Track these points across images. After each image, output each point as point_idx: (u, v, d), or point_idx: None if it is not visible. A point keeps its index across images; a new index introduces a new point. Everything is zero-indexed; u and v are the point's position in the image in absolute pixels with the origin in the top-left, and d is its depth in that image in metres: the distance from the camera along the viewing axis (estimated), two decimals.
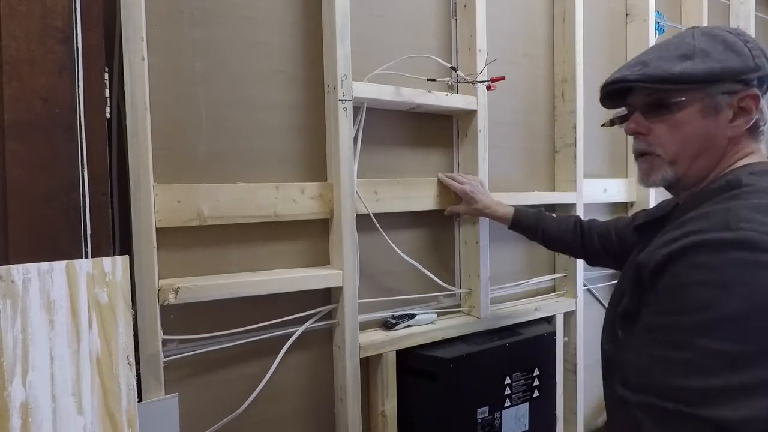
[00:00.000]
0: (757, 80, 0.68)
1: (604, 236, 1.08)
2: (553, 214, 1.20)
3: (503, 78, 1.20)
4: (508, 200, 1.27)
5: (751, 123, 0.69)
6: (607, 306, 0.80)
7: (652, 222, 0.80)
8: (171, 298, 0.85)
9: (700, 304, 0.55)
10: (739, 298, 0.53)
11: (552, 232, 1.15)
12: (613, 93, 0.78)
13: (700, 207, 0.66)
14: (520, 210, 1.19)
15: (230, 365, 0.99)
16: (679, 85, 0.69)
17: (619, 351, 0.70)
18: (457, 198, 1.23)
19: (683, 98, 0.70)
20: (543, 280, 1.52)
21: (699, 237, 0.58)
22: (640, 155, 0.76)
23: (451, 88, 1.26)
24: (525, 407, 1.28)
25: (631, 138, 0.79)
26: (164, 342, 0.87)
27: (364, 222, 1.11)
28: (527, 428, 1.28)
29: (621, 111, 0.79)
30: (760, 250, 0.54)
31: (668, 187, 0.77)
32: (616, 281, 0.84)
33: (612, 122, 0.83)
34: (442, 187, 1.25)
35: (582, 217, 1.52)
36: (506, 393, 1.24)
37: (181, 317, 0.92)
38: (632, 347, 0.63)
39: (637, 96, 0.75)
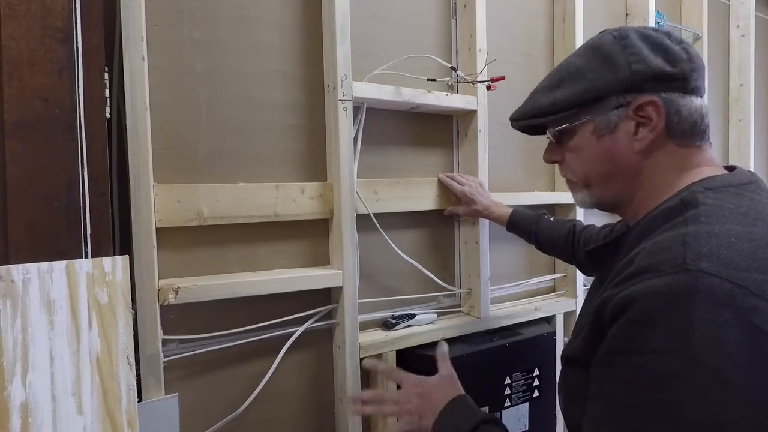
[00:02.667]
0: (657, 82, 0.62)
1: (588, 244, 1.04)
2: (552, 218, 1.19)
3: (503, 78, 1.20)
4: (507, 200, 1.27)
5: (658, 130, 0.62)
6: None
7: (604, 247, 0.75)
8: (171, 298, 0.85)
9: (661, 377, 0.48)
10: (707, 371, 0.46)
11: (545, 237, 1.13)
12: (524, 127, 0.77)
13: (655, 232, 0.59)
14: (518, 211, 1.19)
15: (230, 365, 0.99)
16: (557, 115, 0.66)
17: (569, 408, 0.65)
18: (457, 198, 1.24)
19: (566, 125, 0.67)
20: (543, 280, 1.52)
21: (655, 280, 0.51)
22: (566, 181, 0.74)
23: (451, 88, 1.26)
24: (525, 407, 1.28)
25: None
26: (164, 342, 0.87)
27: (364, 222, 1.11)
28: (527, 428, 1.28)
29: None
30: (723, 305, 0.47)
31: (604, 209, 0.73)
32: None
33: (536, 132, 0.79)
34: (442, 187, 1.25)
35: (582, 217, 1.52)
36: (506, 393, 1.24)
37: (181, 317, 0.92)
38: (586, 417, 0.57)
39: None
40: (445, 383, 0.86)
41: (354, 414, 1.04)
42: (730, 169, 0.66)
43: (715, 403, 0.46)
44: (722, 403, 0.46)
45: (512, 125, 0.75)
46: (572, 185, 0.73)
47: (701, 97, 0.65)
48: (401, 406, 0.84)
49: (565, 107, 0.66)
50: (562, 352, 0.69)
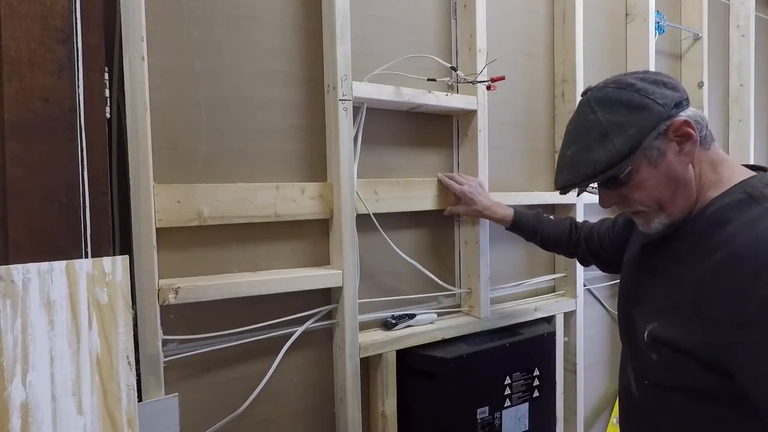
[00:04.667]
0: (677, 107, 0.73)
1: (588, 238, 1.11)
2: (551, 216, 1.20)
3: (503, 78, 1.20)
4: (507, 200, 1.27)
5: (700, 139, 0.74)
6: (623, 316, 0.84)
7: (661, 239, 0.81)
8: (171, 298, 0.85)
9: None
10: None
11: (550, 235, 1.16)
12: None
13: (731, 222, 0.69)
14: (519, 212, 1.20)
15: (230, 365, 0.99)
16: (618, 166, 0.73)
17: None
18: (457, 198, 1.24)
19: (629, 168, 0.74)
20: (543, 280, 1.52)
21: None
22: (632, 213, 0.81)
23: (451, 88, 1.26)
24: (525, 407, 1.28)
25: None
26: (164, 342, 0.87)
27: (364, 222, 1.11)
28: (527, 428, 1.28)
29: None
30: None
31: (674, 225, 0.79)
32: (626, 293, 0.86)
33: (581, 191, 0.84)
34: (442, 187, 1.25)
35: (583, 215, 1.52)
36: (506, 393, 1.24)
37: (181, 317, 0.92)
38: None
39: None
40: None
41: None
42: (750, 167, 0.78)
43: None
44: None
45: (563, 191, 0.79)
46: (644, 215, 0.79)
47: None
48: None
49: (621, 157, 0.72)
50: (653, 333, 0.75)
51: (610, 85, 0.76)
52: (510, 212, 1.19)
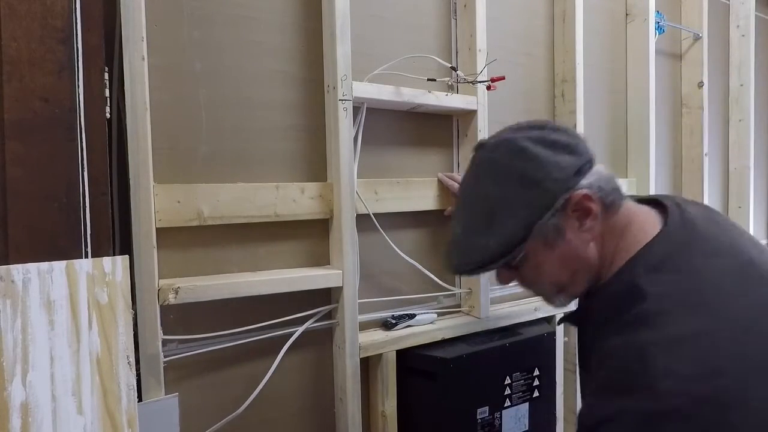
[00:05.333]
0: (576, 176, 0.65)
1: None
2: None
3: (503, 78, 1.20)
4: None
5: (600, 214, 0.66)
6: None
7: (573, 315, 0.77)
8: (171, 298, 0.85)
9: None
10: None
11: None
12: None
13: (610, 322, 0.62)
14: None
15: (230, 365, 0.99)
16: (511, 253, 0.66)
17: None
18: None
19: (522, 254, 0.68)
20: None
21: (622, 401, 0.54)
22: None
23: (451, 88, 1.26)
24: (525, 407, 1.28)
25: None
26: (164, 342, 0.87)
27: (364, 222, 1.11)
28: (527, 428, 1.28)
29: None
30: (692, 421, 0.50)
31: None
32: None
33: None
34: (442, 187, 1.25)
35: None
36: (506, 393, 1.24)
37: (181, 317, 0.92)
38: None
39: None
40: None
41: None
42: (657, 204, 0.69)
43: None
44: None
45: (457, 274, 0.75)
46: (544, 296, 0.74)
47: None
48: None
49: (515, 242, 0.65)
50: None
51: (502, 146, 0.68)
52: None
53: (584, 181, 0.65)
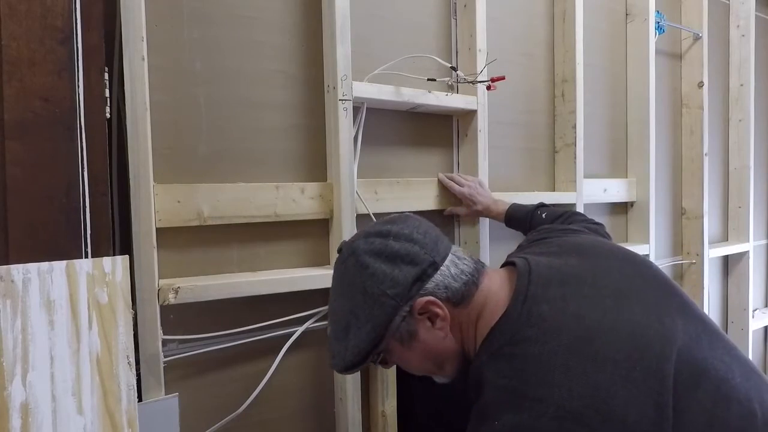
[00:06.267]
0: (418, 284, 0.68)
1: None
2: (544, 213, 1.15)
3: (503, 78, 1.20)
4: (508, 200, 1.27)
5: (447, 313, 0.69)
6: None
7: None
8: (171, 298, 0.85)
9: None
10: None
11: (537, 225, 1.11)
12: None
13: (472, 411, 0.66)
14: (514, 206, 1.19)
15: (230, 365, 0.99)
16: (368, 358, 0.70)
17: None
18: (457, 199, 1.23)
19: (381, 356, 0.73)
20: None
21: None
22: None
23: (451, 88, 1.26)
24: None
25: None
26: (164, 342, 0.87)
27: (364, 222, 1.11)
28: None
29: None
30: None
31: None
32: None
33: None
34: (442, 187, 1.25)
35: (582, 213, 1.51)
36: None
37: (181, 317, 0.92)
38: None
39: None
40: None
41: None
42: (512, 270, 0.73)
43: None
44: None
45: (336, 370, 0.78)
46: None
47: (447, 255, 0.71)
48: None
49: (368, 351, 0.70)
50: None
51: (350, 259, 0.71)
52: (506, 208, 1.18)
53: (429, 285, 0.68)
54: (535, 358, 0.62)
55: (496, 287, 0.72)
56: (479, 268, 0.74)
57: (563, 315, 0.64)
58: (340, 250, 0.75)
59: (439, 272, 0.69)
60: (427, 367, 0.76)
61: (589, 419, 0.56)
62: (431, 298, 0.68)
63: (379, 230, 0.72)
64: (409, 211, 1.21)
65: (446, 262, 0.70)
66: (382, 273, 0.68)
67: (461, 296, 0.70)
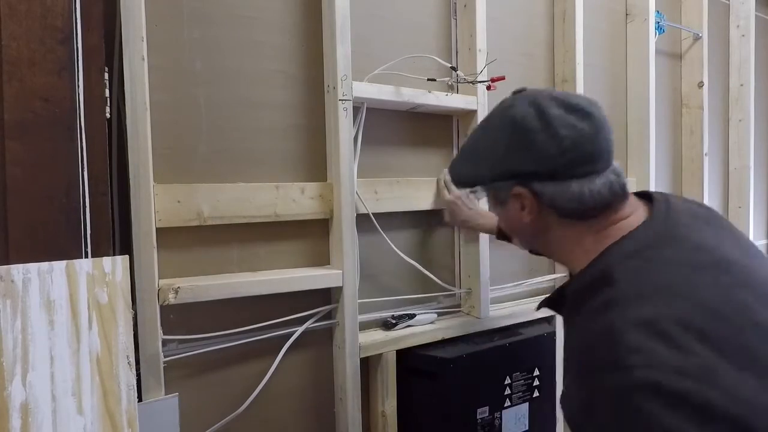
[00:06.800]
0: (522, 177, 0.69)
1: None
2: None
3: (503, 78, 1.20)
4: None
5: (536, 212, 0.70)
6: None
7: (553, 300, 0.81)
8: (171, 298, 0.85)
9: None
10: None
11: None
12: None
13: (583, 304, 0.64)
14: None
15: (230, 365, 0.99)
16: (470, 186, 0.77)
17: None
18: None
19: (477, 189, 0.77)
20: (543, 280, 1.52)
21: (594, 382, 0.57)
22: None
23: (451, 88, 1.26)
24: (525, 407, 1.28)
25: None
26: (164, 342, 0.87)
27: (364, 222, 1.11)
28: (527, 428, 1.28)
29: None
30: (661, 394, 0.51)
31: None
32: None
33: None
34: (442, 187, 1.25)
35: None
36: (506, 393, 1.24)
37: (181, 317, 0.92)
38: None
39: None
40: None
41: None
42: (648, 197, 0.72)
43: None
44: None
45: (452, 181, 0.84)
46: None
47: (592, 176, 0.68)
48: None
49: (468, 182, 0.77)
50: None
51: (526, 108, 0.69)
52: (493, 222, 1.15)
53: (537, 183, 0.69)
54: (674, 264, 0.61)
55: (628, 209, 0.71)
56: (617, 196, 0.70)
57: (702, 239, 0.64)
58: (516, 92, 0.75)
59: (554, 182, 0.68)
60: (506, 227, 0.81)
61: (724, 320, 0.55)
62: (524, 192, 0.70)
63: (576, 103, 0.69)
64: (409, 211, 1.22)
65: (572, 181, 0.68)
66: (535, 140, 0.67)
67: (567, 213, 0.70)
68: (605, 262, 0.65)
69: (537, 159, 0.68)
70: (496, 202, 0.76)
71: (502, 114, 0.72)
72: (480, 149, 0.75)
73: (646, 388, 0.52)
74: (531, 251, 0.89)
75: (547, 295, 0.81)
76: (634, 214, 0.70)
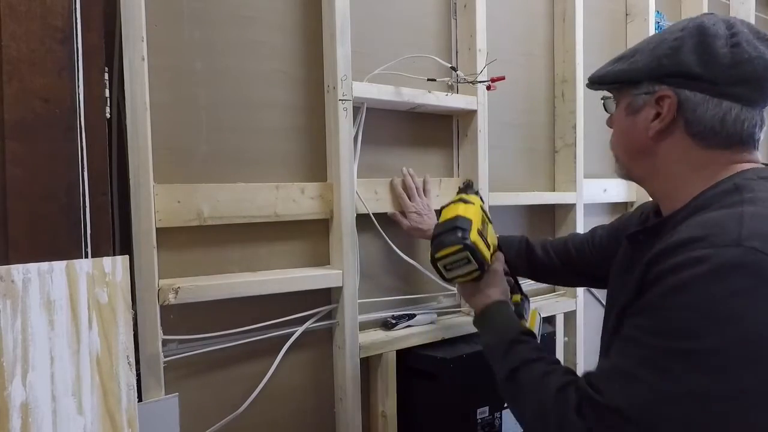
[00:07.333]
0: (682, 78, 0.65)
1: (561, 251, 1.04)
2: (534, 246, 1.08)
3: (503, 78, 1.20)
4: (508, 200, 1.27)
5: (665, 123, 0.67)
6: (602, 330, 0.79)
7: (645, 231, 0.76)
8: (171, 298, 0.85)
9: (688, 333, 0.54)
10: (731, 333, 0.52)
11: (542, 266, 1.06)
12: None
13: (706, 210, 0.62)
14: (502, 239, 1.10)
15: (230, 365, 0.99)
16: (609, 86, 0.74)
17: None
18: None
19: (611, 97, 0.75)
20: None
21: (702, 251, 0.55)
22: None
23: (451, 88, 1.26)
24: None
25: None
26: (164, 342, 0.87)
27: (364, 222, 1.11)
28: None
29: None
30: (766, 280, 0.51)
31: (634, 181, 0.79)
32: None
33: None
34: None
35: (582, 218, 1.52)
36: None
37: (181, 317, 0.92)
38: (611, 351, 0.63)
39: None
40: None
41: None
42: None
43: (735, 371, 0.52)
44: (740, 361, 0.52)
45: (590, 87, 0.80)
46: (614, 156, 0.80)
47: (746, 105, 0.65)
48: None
49: (611, 81, 0.73)
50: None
51: (725, 21, 0.66)
52: None
53: (689, 91, 0.65)
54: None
55: (754, 159, 0.68)
56: (753, 140, 0.67)
57: None
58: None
59: (708, 96, 0.65)
60: (619, 145, 0.77)
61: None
62: (673, 96, 0.66)
63: (766, 34, 0.66)
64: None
65: (726, 101, 0.65)
66: (681, 43, 0.65)
67: (698, 133, 0.66)
68: (740, 177, 0.64)
69: (707, 62, 0.64)
70: (628, 109, 0.71)
71: (689, 21, 0.69)
72: (643, 48, 0.70)
73: (752, 272, 0.52)
74: (625, 176, 0.80)
75: (636, 229, 0.77)
76: (758, 163, 0.67)
